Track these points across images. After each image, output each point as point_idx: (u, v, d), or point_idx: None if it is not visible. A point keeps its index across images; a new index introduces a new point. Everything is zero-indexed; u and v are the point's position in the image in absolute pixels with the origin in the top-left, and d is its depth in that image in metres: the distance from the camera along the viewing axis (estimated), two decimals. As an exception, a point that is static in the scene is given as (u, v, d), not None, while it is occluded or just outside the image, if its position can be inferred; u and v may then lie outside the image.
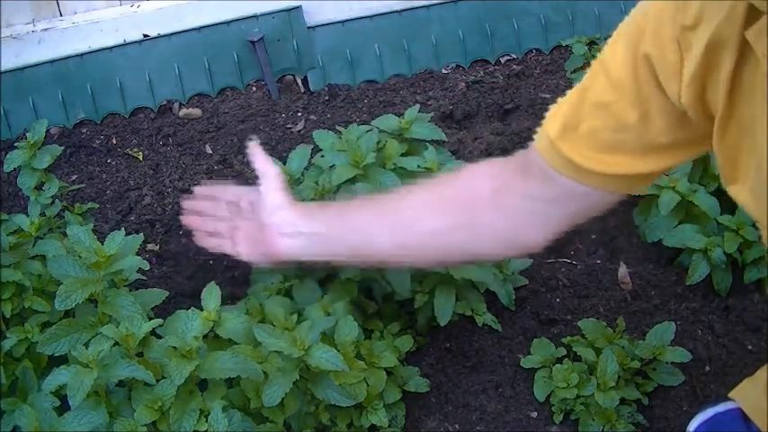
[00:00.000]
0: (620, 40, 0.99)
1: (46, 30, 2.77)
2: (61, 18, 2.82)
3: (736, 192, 0.93)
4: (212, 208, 1.56)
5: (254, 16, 2.79)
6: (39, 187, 1.98)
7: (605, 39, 2.66)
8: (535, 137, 1.12)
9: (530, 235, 1.17)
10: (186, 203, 1.55)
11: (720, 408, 1.20)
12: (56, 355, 1.58)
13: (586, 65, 2.56)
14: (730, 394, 1.18)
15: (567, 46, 2.72)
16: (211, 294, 1.67)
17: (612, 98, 0.99)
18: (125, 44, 2.75)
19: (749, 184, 0.90)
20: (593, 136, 1.02)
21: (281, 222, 1.40)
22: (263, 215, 1.43)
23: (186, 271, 2.17)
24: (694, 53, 0.88)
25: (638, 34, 0.95)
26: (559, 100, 1.10)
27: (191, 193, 2.49)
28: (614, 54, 0.99)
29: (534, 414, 1.82)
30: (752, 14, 0.81)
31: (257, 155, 1.50)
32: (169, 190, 2.47)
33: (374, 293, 1.93)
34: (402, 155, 2.01)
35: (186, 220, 1.60)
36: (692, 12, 0.88)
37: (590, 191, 1.06)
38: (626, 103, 0.98)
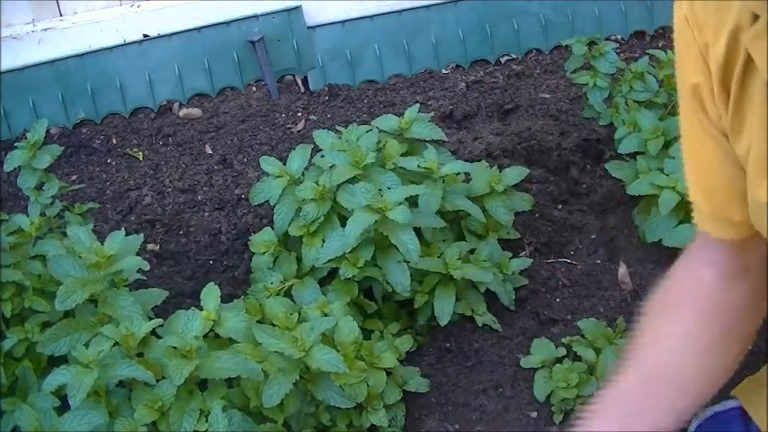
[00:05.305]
0: (680, 89, 0.97)
1: (46, 30, 2.77)
2: (61, 18, 2.82)
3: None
4: None
5: (254, 16, 2.79)
6: (39, 187, 1.98)
7: (605, 39, 2.68)
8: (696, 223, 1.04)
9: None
10: None
11: (720, 407, 1.20)
12: (56, 355, 1.58)
13: (586, 65, 2.56)
14: (733, 392, 1.18)
15: (566, 46, 2.71)
16: (211, 294, 1.67)
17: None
18: (125, 44, 2.75)
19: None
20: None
21: None
22: None
23: (186, 271, 2.17)
24: (714, 66, 0.87)
25: (682, 68, 0.94)
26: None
27: (191, 192, 2.52)
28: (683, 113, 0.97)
29: (534, 414, 1.82)
30: (753, 19, 0.81)
31: None
32: (169, 190, 2.47)
33: (374, 293, 1.93)
34: (402, 155, 2.01)
35: None
36: (707, 28, 0.88)
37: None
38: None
